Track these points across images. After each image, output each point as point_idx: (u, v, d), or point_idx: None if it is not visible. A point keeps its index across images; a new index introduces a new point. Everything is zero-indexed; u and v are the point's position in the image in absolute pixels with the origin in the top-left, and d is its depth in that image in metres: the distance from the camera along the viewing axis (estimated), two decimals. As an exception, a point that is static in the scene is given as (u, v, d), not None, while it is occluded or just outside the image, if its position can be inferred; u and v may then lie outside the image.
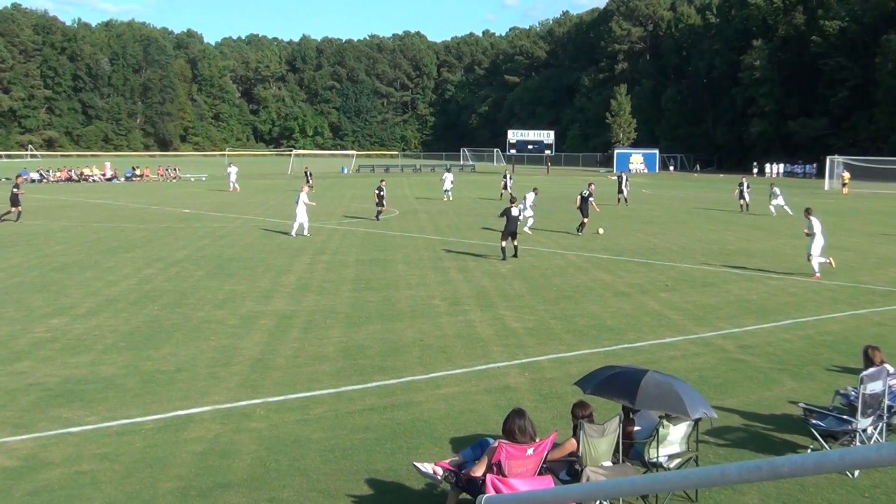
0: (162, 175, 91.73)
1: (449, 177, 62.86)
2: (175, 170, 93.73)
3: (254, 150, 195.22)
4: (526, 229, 38.01)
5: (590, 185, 41.66)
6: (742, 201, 53.39)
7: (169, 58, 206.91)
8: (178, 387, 14.25)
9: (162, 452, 11.37)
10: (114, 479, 10.51)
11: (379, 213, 44.43)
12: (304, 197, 37.08)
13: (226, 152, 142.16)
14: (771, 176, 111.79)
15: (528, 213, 39.07)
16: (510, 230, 29.81)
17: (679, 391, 9.77)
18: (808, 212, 28.22)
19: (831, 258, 27.54)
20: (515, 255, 29.80)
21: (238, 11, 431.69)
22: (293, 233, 36.53)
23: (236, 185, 69.78)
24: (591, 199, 39.58)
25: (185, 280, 25.10)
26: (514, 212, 30.04)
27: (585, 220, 38.79)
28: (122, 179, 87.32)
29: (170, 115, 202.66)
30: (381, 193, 44.42)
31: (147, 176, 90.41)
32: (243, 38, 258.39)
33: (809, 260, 26.98)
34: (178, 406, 13.25)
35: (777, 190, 52.55)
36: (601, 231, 38.50)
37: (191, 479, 10.50)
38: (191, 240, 34.90)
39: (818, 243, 26.95)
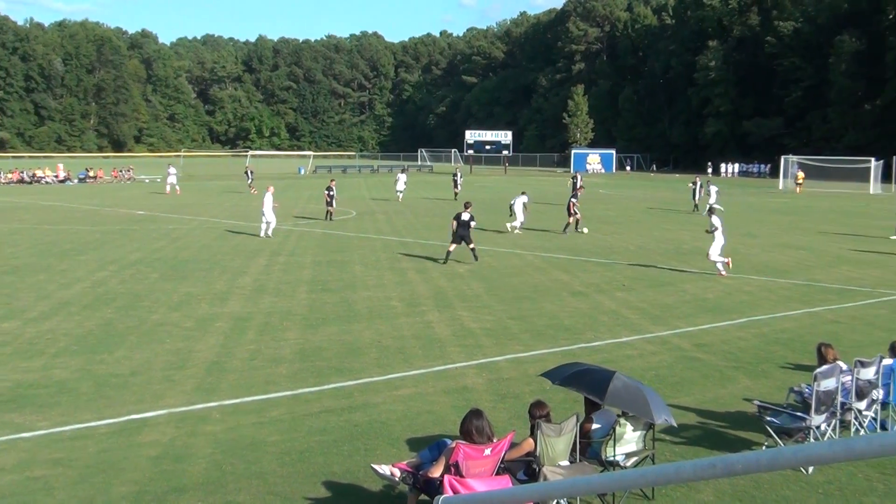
0: (116, 177, 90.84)
1: (402, 178, 62.76)
2: (129, 171, 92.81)
3: (210, 151, 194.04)
4: (517, 231, 38.64)
5: (579, 188, 43.69)
6: (695, 200, 53.80)
7: (123, 58, 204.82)
8: (132, 390, 14.10)
9: (116, 457, 11.24)
10: (67, 484, 10.37)
11: (329, 213, 44.44)
12: (269, 197, 36.89)
13: (181, 153, 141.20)
14: (726, 176, 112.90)
15: (520, 216, 39.43)
16: (460, 235, 29.25)
17: (646, 395, 9.87)
18: (710, 211, 28.44)
19: (729, 259, 27.47)
20: (475, 259, 29.14)
21: (193, 11, 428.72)
22: (262, 233, 36.49)
23: (176, 187, 66.94)
24: (573, 198, 40.60)
25: (139, 282, 24.86)
26: (465, 216, 29.35)
27: (570, 219, 39.51)
28: (76, 181, 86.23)
29: (124, 116, 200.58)
30: (332, 194, 44.47)
31: (101, 177, 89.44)
32: (199, 38, 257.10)
33: (709, 259, 27.15)
34: (132, 410, 13.10)
35: (713, 188, 53.02)
36: (586, 230, 38.98)
37: (145, 484, 10.38)
38: (145, 242, 34.59)
39: (718, 243, 27.04)
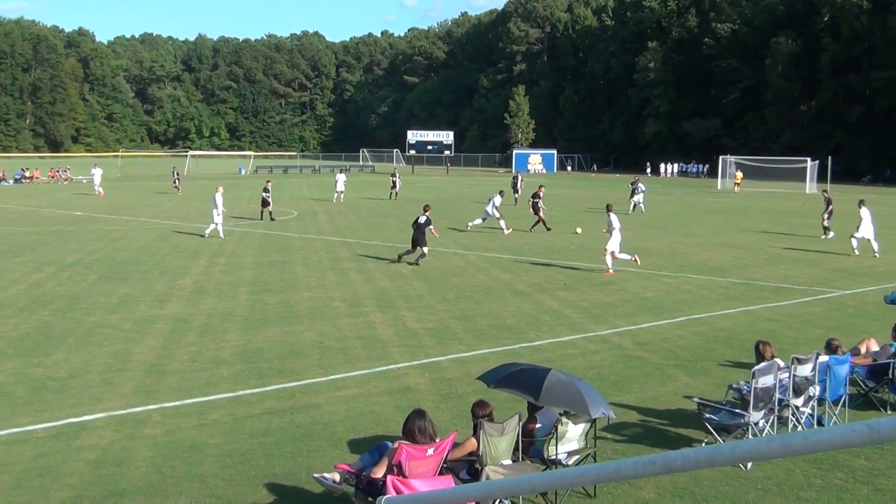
0: (53, 177, 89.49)
1: (342, 178, 62.49)
2: (66, 171, 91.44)
3: (148, 151, 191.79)
4: (507, 231, 39.15)
5: (540, 187, 44.75)
6: (632, 201, 54.11)
7: (60, 57, 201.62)
8: (70, 394, 13.90)
9: (53, 461, 11.07)
10: (2, 489, 10.19)
11: (266, 212, 44.29)
12: (218, 197, 36.44)
13: (119, 153, 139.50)
14: (666, 176, 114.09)
15: (496, 214, 39.88)
16: (413, 238, 29.09)
17: (581, 390, 9.92)
18: (608, 208, 28.80)
19: (636, 256, 28.02)
20: (417, 263, 28.69)
21: (131, 9, 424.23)
22: (206, 234, 36.29)
23: (100, 189, 65.16)
24: (537, 200, 41.76)
25: (77, 284, 24.52)
26: (422, 219, 29.21)
27: (540, 214, 40.92)
28: (11, 182, 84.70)
29: (61, 116, 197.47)
30: (268, 194, 44.37)
31: (37, 178, 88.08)
32: (137, 36, 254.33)
33: (605, 255, 27.55)
34: (70, 413, 12.91)
35: (642, 186, 53.59)
36: (579, 230, 39.66)
37: (84, 488, 10.24)
38: (83, 243, 34.13)
39: (615, 240, 27.42)
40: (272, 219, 43.75)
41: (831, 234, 38.17)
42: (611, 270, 27.29)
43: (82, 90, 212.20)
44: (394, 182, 64.44)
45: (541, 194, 42.85)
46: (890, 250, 34.48)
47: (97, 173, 67.35)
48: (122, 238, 35.96)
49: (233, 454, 11.39)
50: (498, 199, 40.88)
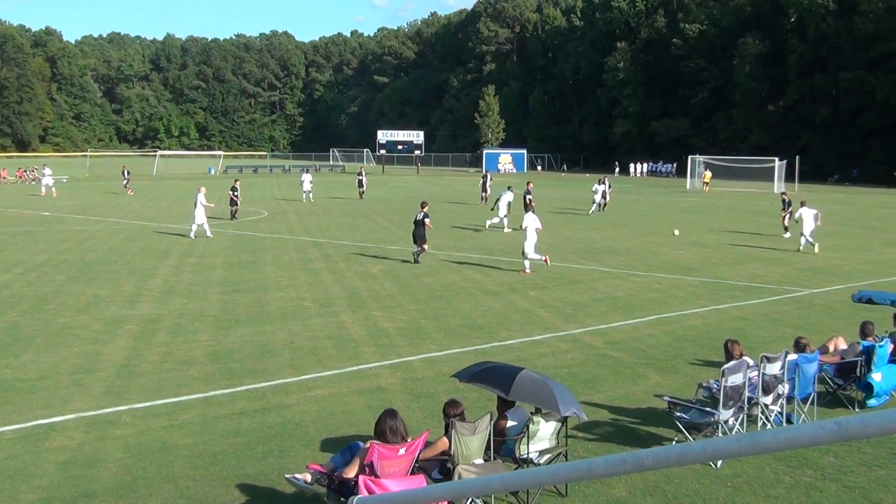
0: (21, 177, 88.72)
1: (308, 178, 62.25)
2: (34, 171, 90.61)
3: (117, 151, 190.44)
4: (506, 230, 39.56)
5: (528, 183, 45.60)
6: (603, 201, 53.98)
7: (26, 56, 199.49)
8: (39, 395, 13.79)
9: (23, 463, 10.98)
10: (-29, 492, 10.11)
11: (234, 212, 44.18)
12: (201, 198, 36.39)
13: (87, 153, 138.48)
14: (636, 175, 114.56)
15: (503, 211, 41.21)
16: (414, 234, 29.84)
17: (553, 389, 9.97)
18: (527, 205, 29.31)
19: (546, 256, 28.28)
20: (415, 261, 29.29)
21: (99, 9, 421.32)
22: (192, 234, 36.24)
23: (53, 190, 63.84)
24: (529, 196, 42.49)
25: (45, 285, 24.33)
26: (419, 216, 29.74)
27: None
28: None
29: (28, 115, 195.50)
30: (236, 193, 44.31)
31: (4, 178, 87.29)
32: (105, 36, 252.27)
33: (524, 256, 27.83)
34: (39, 415, 12.82)
35: (601, 187, 53.47)
36: (677, 232, 39.54)
37: (53, 490, 10.17)
38: (51, 243, 33.88)
39: (531, 240, 27.71)
40: (234, 217, 43.66)
41: (787, 234, 38.56)
42: (528, 271, 27.52)
43: (50, 90, 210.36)
44: (360, 181, 64.59)
45: (531, 190, 44.04)
46: (859, 248, 34.81)
47: (48, 174, 65.80)
48: (91, 238, 35.73)
49: (204, 455, 11.34)
50: (510, 196, 42.42)
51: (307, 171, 67.72)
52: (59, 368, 15.36)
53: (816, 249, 33.41)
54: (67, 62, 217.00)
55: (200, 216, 36.29)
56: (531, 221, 27.88)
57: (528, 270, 27.48)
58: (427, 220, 29.85)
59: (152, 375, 14.99)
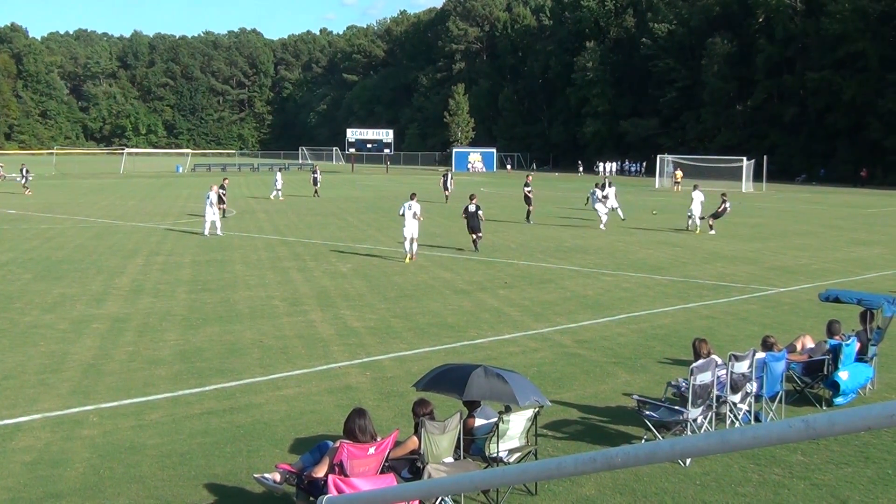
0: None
1: (279, 176, 62.28)
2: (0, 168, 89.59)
3: (84, 149, 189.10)
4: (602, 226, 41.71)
5: (528, 176, 47.22)
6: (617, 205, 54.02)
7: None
8: (4, 395, 13.66)
9: (-12, 464, 10.89)
10: (-65, 493, 10.00)
11: (223, 210, 43.93)
12: (213, 196, 37.03)
13: (54, 151, 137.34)
14: (604, 174, 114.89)
15: (611, 205, 44.41)
16: (471, 225, 32.62)
17: (508, 381, 9.99)
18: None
19: (413, 256, 29.76)
20: (475, 248, 32.37)
21: (65, 5, 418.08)
22: (206, 232, 36.62)
23: (26, 189, 62.95)
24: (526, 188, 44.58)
25: (11, 284, 24.12)
26: (472, 207, 32.52)
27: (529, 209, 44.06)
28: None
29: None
30: (223, 193, 44.03)
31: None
32: (71, 32, 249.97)
33: (406, 242, 29.86)
34: (4, 415, 12.69)
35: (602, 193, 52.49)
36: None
37: (20, 490, 10.08)
38: (17, 242, 33.58)
39: (410, 227, 29.48)
40: (224, 216, 43.50)
41: (712, 231, 40.02)
42: (414, 257, 29.62)
43: (15, 87, 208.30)
44: (315, 179, 64.74)
45: (529, 182, 45.26)
46: (826, 248, 35.08)
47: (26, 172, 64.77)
48: (57, 237, 35.45)
49: (172, 455, 11.28)
50: (599, 193, 43.86)
51: (280, 170, 67.60)
52: (25, 368, 15.22)
53: (698, 231, 39.76)
54: (33, 59, 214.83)
55: (212, 214, 36.98)
56: (409, 209, 29.53)
57: (414, 256, 29.58)
58: (480, 212, 32.54)
59: (120, 375, 14.89)
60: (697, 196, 41.09)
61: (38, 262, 28.39)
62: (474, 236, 32.47)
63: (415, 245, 29.79)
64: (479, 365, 10.49)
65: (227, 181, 46.22)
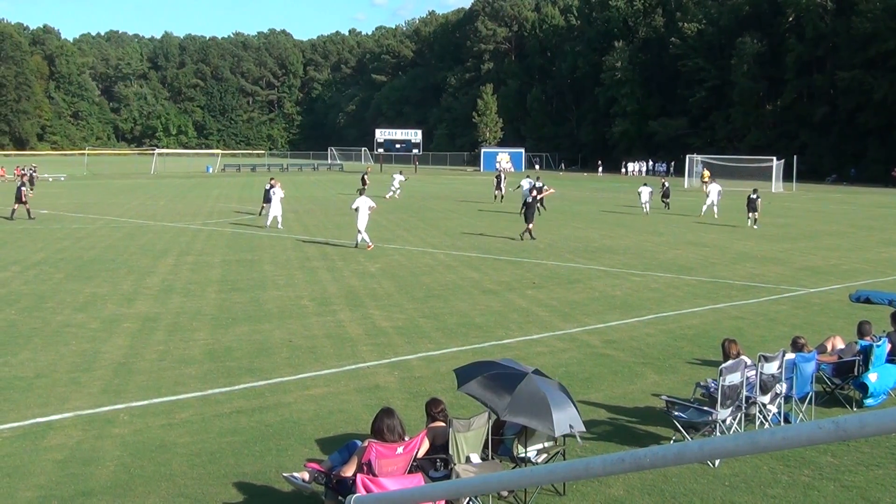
0: (19, 175, 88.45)
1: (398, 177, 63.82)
2: (34, 169, 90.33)
3: (115, 150, 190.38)
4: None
5: (537, 178, 48.91)
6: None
7: (24, 54, 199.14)
8: (37, 393, 13.79)
9: (20, 461, 10.98)
10: (-31, 490, 10.10)
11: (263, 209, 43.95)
12: (279, 191, 39.34)
13: (85, 151, 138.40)
14: (634, 174, 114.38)
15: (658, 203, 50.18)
16: (525, 215, 36.07)
17: (550, 403, 9.71)
18: (359, 188, 35.52)
19: (370, 245, 32.16)
20: (521, 238, 35.46)
21: (97, 7, 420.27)
22: (268, 224, 39.02)
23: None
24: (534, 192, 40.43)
25: (43, 283, 24.33)
26: (530, 198, 36.68)
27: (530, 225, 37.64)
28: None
29: (26, 114, 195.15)
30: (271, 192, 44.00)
31: (2, 176, 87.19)
32: (103, 34, 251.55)
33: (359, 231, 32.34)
34: (37, 413, 12.81)
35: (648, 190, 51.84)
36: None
37: (51, 488, 10.17)
38: (49, 241, 33.86)
39: (363, 219, 32.14)
40: (260, 214, 43.70)
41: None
42: (370, 245, 31.99)
43: (48, 88, 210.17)
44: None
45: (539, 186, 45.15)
46: (856, 248, 34.82)
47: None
48: (88, 237, 35.71)
49: (202, 453, 11.35)
50: (647, 191, 50.24)
51: (401, 172, 68.68)
52: (56, 367, 15.35)
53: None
54: (65, 60, 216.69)
55: (277, 208, 38.94)
56: (363, 202, 32.22)
57: (370, 245, 31.99)
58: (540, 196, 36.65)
59: (150, 374, 14.99)
60: (715, 187, 49.36)
61: (69, 261, 28.61)
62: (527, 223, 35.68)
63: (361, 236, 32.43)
64: (527, 372, 10.26)
65: (274, 180, 46.07)
